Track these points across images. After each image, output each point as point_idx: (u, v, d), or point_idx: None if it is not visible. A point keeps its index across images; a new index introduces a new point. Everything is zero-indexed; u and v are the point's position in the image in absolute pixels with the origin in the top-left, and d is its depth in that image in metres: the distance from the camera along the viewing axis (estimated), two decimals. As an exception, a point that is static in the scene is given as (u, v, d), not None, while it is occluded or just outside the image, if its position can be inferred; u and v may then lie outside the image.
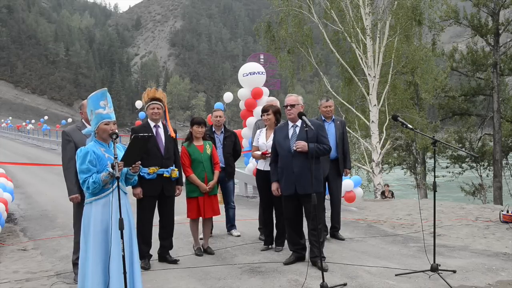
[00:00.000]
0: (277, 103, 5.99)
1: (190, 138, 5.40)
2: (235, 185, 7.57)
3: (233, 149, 6.15)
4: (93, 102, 3.58)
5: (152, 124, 4.95)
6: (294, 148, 4.70)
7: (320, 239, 4.57)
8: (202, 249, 5.44)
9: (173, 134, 5.05)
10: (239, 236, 6.24)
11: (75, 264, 4.55)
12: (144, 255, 4.87)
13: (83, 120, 4.67)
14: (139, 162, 3.67)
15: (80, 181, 3.48)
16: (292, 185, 4.75)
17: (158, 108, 4.91)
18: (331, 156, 5.87)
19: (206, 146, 5.39)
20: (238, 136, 6.46)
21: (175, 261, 5.04)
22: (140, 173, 4.64)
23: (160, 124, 5.00)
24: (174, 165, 4.99)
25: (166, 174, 4.87)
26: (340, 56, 16.71)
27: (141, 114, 27.86)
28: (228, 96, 14.36)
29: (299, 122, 4.82)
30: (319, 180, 4.78)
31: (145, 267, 4.81)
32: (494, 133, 20.49)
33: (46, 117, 47.78)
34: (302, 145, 4.63)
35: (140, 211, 4.89)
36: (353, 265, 4.78)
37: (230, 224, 6.40)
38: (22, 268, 5.14)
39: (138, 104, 28.19)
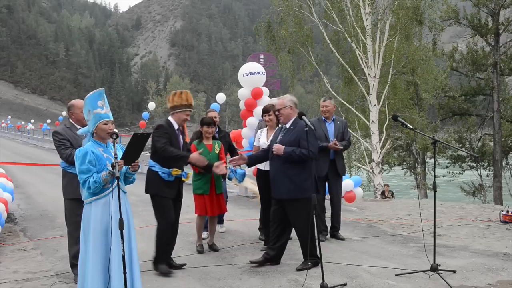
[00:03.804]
0: None
1: (200, 136, 5.44)
2: (235, 185, 7.60)
3: (228, 148, 6.19)
4: (91, 102, 3.57)
5: (175, 126, 4.79)
6: (273, 151, 4.67)
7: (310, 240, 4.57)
8: (208, 245, 5.54)
9: (187, 139, 5.07)
10: (224, 232, 6.41)
11: (72, 264, 4.55)
12: (166, 259, 4.70)
13: (70, 120, 4.63)
14: (138, 160, 3.68)
15: (81, 182, 3.47)
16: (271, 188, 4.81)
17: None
18: (330, 157, 5.88)
19: (215, 146, 5.44)
20: (230, 135, 6.54)
21: (180, 266, 4.86)
22: (160, 172, 4.60)
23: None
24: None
25: (183, 178, 4.84)
26: (340, 56, 16.71)
27: (145, 115, 27.73)
28: (221, 97, 14.45)
29: (288, 124, 4.77)
30: (297, 185, 4.60)
31: (168, 272, 4.63)
32: (494, 133, 20.49)
33: (49, 120, 47.72)
34: (277, 148, 4.61)
35: (163, 211, 4.67)
36: (353, 265, 4.78)
37: (219, 218, 6.49)
38: (22, 268, 5.14)
39: (152, 105, 28.02)
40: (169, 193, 4.71)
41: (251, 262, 4.86)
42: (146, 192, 4.73)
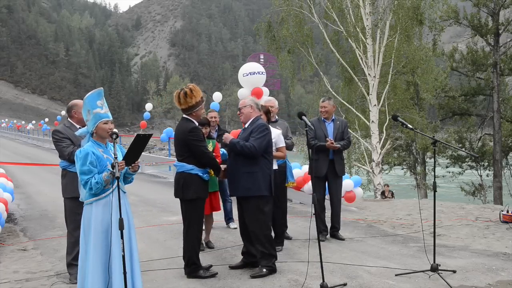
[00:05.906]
0: (273, 103, 5.96)
1: None
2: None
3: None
4: (90, 102, 3.56)
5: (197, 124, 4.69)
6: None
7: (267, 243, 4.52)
8: (204, 243, 5.59)
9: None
10: (236, 228, 6.36)
11: (69, 264, 4.54)
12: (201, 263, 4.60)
13: (70, 120, 4.61)
14: (138, 161, 3.68)
15: (82, 183, 3.46)
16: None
17: None
18: (330, 157, 5.88)
19: (208, 145, 5.45)
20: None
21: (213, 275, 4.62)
22: (200, 174, 4.49)
23: None
24: None
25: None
26: (340, 56, 16.71)
27: (146, 115, 27.70)
28: (217, 96, 14.61)
29: (247, 124, 4.71)
30: (248, 182, 4.49)
31: (214, 273, 4.57)
32: (494, 133, 20.48)
33: (46, 119, 47.70)
34: (225, 136, 4.62)
35: (199, 214, 4.57)
36: (353, 265, 4.78)
37: (228, 217, 6.72)
38: (22, 268, 5.14)
39: (149, 106, 27.93)
40: (207, 194, 4.73)
41: (230, 267, 4.76)
42: (183, 197, 4.49)
